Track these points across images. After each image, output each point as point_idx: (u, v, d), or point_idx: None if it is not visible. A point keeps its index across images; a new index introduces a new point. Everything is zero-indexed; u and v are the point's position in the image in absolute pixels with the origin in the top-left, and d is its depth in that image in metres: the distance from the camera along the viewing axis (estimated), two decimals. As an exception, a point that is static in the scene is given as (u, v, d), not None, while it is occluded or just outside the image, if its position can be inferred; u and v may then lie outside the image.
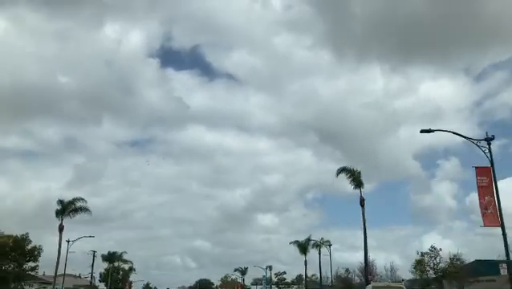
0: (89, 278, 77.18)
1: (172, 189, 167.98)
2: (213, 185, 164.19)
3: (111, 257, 76.88)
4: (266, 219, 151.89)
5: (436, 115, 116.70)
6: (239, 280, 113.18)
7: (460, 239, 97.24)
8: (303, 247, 64.86)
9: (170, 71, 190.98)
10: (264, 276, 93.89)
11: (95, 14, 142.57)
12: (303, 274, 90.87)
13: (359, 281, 49.20)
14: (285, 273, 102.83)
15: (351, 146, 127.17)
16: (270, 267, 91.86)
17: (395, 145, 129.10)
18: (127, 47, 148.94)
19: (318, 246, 61.84)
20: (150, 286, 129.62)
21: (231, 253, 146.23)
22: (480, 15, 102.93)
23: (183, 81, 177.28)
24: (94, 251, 76.79)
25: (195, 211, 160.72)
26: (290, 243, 67.29)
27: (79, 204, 47.11)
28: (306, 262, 66.62)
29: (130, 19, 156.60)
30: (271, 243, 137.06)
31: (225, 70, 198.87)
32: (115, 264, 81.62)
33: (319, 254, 61.66)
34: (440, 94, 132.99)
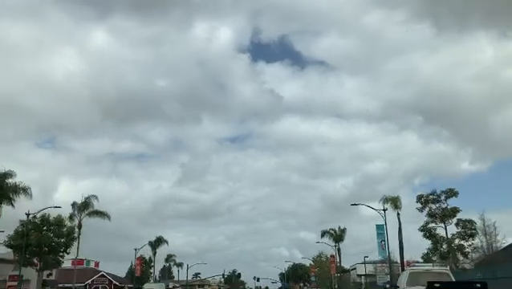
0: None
1: (272, 182, 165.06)
2: (314, 175, 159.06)
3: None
4: (371, 209, 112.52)
5: None
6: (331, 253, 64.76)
7: None
8: None
9: (261, 64, 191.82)
10: (383, 243, 42.31)
11: (184, 15, 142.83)
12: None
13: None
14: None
15: (460, 124, 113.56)
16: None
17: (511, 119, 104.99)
18: (217, 45, 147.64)
19: None
20: (237, 273, 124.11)
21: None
22: None
23: (275, 73, 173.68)
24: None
25: (297, 202, 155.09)
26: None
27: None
28: None
29: (217, 17, 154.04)
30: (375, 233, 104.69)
31: (316, 56, 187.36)
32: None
33: None
34: None
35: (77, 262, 68.67)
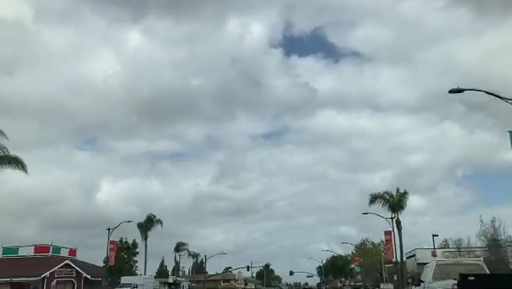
0: None
1: (309, 177, 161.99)
2: (352, 169, 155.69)
3: None
4: (412, 201, 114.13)
5: None
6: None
7: None
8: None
9: (294, 59, 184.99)
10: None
11: (216, 12, 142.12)
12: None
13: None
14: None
15: (505, 111, 69.04)
16: None
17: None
18: (250, 41, 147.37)
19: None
20: (270, 267, 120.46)
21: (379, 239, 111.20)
22: None
23: (308, 66, 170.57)
24: None
25: (336, 197, 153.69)
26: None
27: None
28: None
29: (249, 12, 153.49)
30: (420, 226, 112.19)
31: (350, 48, 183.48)
32: None
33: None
34: None
35: (40, 248, 52.74)
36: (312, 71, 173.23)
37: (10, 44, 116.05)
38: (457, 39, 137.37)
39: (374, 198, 40.46)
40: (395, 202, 39.26)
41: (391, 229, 40.73)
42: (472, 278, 12.09)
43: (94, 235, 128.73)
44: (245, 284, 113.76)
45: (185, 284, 60.42)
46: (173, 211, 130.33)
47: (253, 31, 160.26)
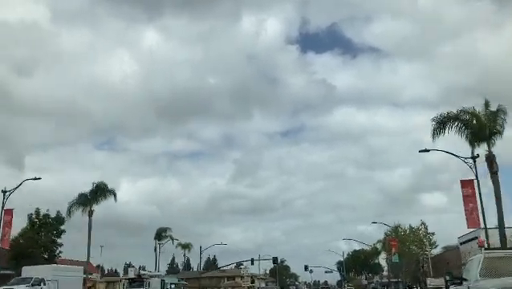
0: None
1: (327, 175, 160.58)
2: (370, 167, 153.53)
3: None
4: (433, 199, 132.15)
5: None
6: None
7: None
8: None
9: (311, 55, 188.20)
10: None
11: (231, 9, 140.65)
12: None
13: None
14: None
15: None
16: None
17: None
18: (265, 38, 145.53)
19: None
20: (284, 263, 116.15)
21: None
22: None
23: (325, 63, 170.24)
24: None
25: (354, 195, 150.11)
26: None
27: None
28: None
29: (265, 9, 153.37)
30: (442, 224, 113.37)
31: (368, 43, 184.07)
32: None
33: None
34: None
35: None
36: (329, 68, 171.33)
37: (28, 46, 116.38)
38: (478, 32, 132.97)
39: (442, 122, 22.43)
40: (482, 126, 21.13)
41: (473, 176, 22.61)
42: None
43: (112, 235, 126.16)
44: (252, 282, 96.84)
45: (155, 281, 43.10)
46: (191, 210, 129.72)
47: (269, 28, 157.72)
